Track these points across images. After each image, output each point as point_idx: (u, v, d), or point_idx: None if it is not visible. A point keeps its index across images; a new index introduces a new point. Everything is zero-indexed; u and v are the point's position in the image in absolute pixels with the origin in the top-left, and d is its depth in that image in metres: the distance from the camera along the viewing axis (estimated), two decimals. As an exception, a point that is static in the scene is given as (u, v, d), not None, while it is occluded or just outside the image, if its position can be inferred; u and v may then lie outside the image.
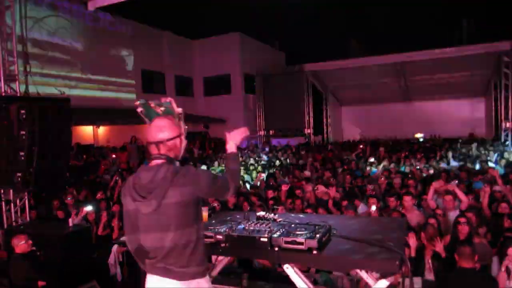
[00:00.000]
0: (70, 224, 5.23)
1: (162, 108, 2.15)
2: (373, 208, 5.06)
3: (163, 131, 2.04)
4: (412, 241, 4.10)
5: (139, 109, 2.14)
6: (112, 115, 15.04)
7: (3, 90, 6.17)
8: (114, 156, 12.93)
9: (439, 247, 4.02)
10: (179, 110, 2.20)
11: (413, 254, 4.08)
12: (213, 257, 4.03)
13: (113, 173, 9.86)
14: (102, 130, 15.81)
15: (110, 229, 6.10)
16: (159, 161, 2.01)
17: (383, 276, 2.19)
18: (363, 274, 2.65)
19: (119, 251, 5.65)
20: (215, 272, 3.05)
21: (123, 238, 2.68)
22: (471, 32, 20.20)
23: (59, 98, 6.41)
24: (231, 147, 2.31)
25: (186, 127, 2.21)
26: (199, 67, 21.33)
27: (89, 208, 6.13)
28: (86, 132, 15.26)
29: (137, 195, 1.96)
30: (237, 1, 21.87)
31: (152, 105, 2.16)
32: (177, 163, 2.05)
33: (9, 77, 6.31)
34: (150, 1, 15.63)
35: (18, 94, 6.36)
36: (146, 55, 18.19)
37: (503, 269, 3.61)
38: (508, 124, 14.98)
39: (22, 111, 5.19)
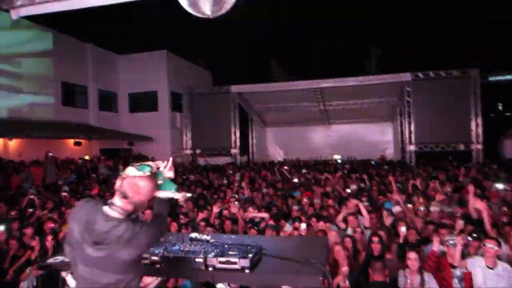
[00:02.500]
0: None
1: (149, 169, 2.13)
2: (303, 226, 5.46)
3: (140, 193, 2.04)
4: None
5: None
6: (27, 127, 13.99)
7: None
8: (28, 171, 12.10)
9: (340, 278, 4.31)
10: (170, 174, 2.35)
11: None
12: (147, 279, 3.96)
13: (26, 190, 9.53)
14: (14, 142, 14.41)
15: (24, 250, 5.62)
16: (119, 216, 1.98)
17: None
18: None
19: (34, 274, 5.23)
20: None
21: (50, 260, 2.57)
22: (379, 63, 22.61)
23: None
24: None
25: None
26: (125, 83, 20.67)
27: (0, 228, 5.62)
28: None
29: (88, 236, 1.93)
30: (163, 18, 21.82)
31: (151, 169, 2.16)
32: (137, 215, 2.08)
33: None
34: (73, 13, 14.79)
35: None
36: (68, 67, 17.20)
37: (408, 282, 4.08)
38: (412, 147, 16.82)
39: None
